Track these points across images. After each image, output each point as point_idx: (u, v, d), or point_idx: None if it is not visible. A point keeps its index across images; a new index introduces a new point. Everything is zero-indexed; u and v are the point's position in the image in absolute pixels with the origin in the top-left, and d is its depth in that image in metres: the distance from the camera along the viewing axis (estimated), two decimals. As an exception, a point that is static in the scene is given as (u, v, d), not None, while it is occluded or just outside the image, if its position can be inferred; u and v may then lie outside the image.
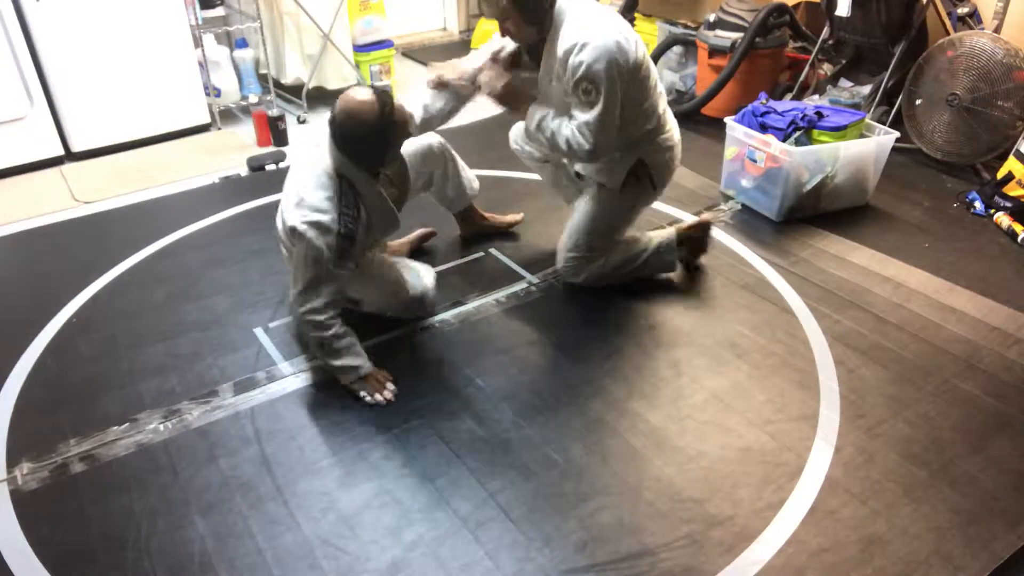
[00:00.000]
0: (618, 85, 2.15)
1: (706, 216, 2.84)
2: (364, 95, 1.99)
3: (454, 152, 2.69)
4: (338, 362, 2.12)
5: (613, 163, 2.41)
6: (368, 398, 2.13)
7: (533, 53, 2.33)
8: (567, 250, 2.53)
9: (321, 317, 2.06)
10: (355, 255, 2.09)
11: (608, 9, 2.33)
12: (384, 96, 2.01)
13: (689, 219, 2.87)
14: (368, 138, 2.00)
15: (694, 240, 2.66)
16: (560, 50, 2.17)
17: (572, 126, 2.22)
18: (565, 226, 2.57)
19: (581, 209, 2.52)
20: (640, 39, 2.28)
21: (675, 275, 2.70)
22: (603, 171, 2.45)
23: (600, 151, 2.25)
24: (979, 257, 2.82)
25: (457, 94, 2.42)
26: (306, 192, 2.03)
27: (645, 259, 2.58)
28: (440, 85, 2.40)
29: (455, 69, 2.40)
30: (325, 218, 1.99)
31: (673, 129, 2.47)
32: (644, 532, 1.74)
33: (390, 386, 2.16)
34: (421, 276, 2.42)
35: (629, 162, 2.40)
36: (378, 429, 2.05)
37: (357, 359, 2.14)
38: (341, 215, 2.00)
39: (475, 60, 2.42)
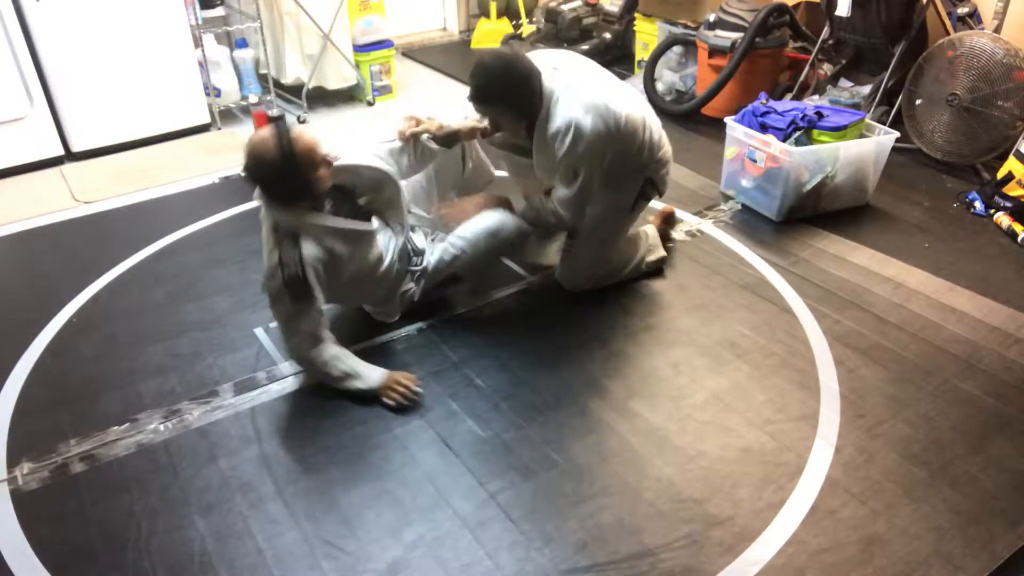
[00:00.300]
0: (598, 164, 2.30)
1: (667, 209, 2.95)
2: (259, 135, 1.99)
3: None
4: (346, 387, 2.13)
5: (623, 189, 2.47)
6: (393, 404, 2.12)
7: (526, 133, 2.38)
8: (587, 267, 2.55)
9: (307, 353, 2.11)
10: (312, 293, 2.07)
11: (601, 79, 2.37)
12: (279, 127, 1.98)
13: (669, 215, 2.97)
14: (276, 174, 1.98)
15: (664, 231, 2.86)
16: (549, 133, 2.26)
17: (555, 200, 2.36)
18: (574, 244, 2.54)
19: (588, 226, 2.49)
20: (637, 101, 2.41)
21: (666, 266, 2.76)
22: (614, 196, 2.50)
23: (577, 219, 2.43)
24: (979, 257, 2.82)
25: (423, 154, 2.43)
26: (263, 256, 2.11)
27: (638, 264, 2.65)
28: (409, 139, 2.36)
29: (431, 123, 2.39)
30: (271, 270, 2.05)
31: (667, 142, 2.55)
32: (644, 532, 1.74)
33: (411, 386, 2.14)
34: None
35: (639, 183, 2.48)
36: (378, 429, 2.05)
37: (361, 381, 2.12)
38: (283, 267, 2.02)
39: (453, 121, 2.44)
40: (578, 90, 2.26)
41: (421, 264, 2.44)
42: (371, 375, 2.14)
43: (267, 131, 1.98)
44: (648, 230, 2.74)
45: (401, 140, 2.35)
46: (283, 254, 2.03)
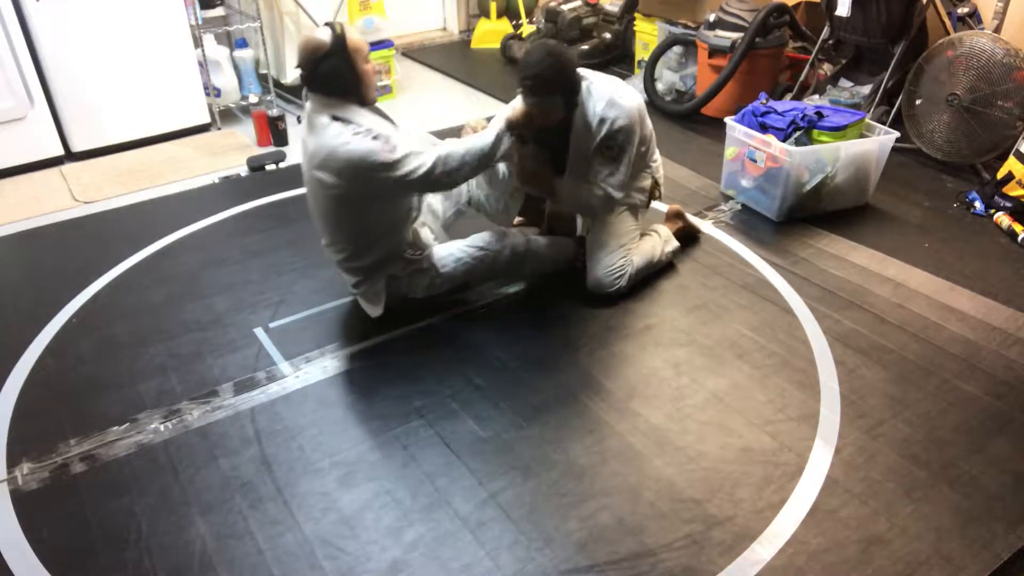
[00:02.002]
0: (635, 143, 2.46)
1: (674, 207, 2.95)
2: (314, 32, 2.16)
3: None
4: (481, 149, 2.22)
5: (641, 190, 2.65)
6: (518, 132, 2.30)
7: (555, 131, 2.45)
8: (608, 267, 2.55)
9: (426, 170, 2.16)
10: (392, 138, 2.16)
11: (615, 79, 2.53)
12: (332, 25, 2.16)
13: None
14: (331, 63, 2.12)
15: (685, 232, 2.92)
16: (588, 118, 2.40)
17: (603, 185, 2.45)
18: (593, 249, 2.58)
19: (610, 229, 2.57)
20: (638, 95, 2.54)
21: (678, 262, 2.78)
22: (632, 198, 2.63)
23: (624, 198, 2.56)
24: (979, 257, 2.82)
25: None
26: (324, 142, 2.14)
27: (661, 255, 2.70)
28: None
29: (480, 121, 2.50)
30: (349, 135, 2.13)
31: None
32: (644, 532, 1.74)
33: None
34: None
35: (650, 181, 2.68)
36: (378, 429, 2.05)
37: (488, 135, 2.25)
38: (365, 132, 2.13)
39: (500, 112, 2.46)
40: (599, 82, 2.43)
41: (421, 255, 2.43)
42: (497, 126, 2.28)
43: (321, 29, 2.15)
44: (657, 227, 2.78)
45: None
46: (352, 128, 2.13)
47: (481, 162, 2.26)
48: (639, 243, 2.64)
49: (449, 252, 2.48)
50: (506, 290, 2.65)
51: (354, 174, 2.12)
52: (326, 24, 2.17)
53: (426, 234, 2.49)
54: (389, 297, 2.39)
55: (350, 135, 2.11)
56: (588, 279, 2.59)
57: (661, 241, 2.71)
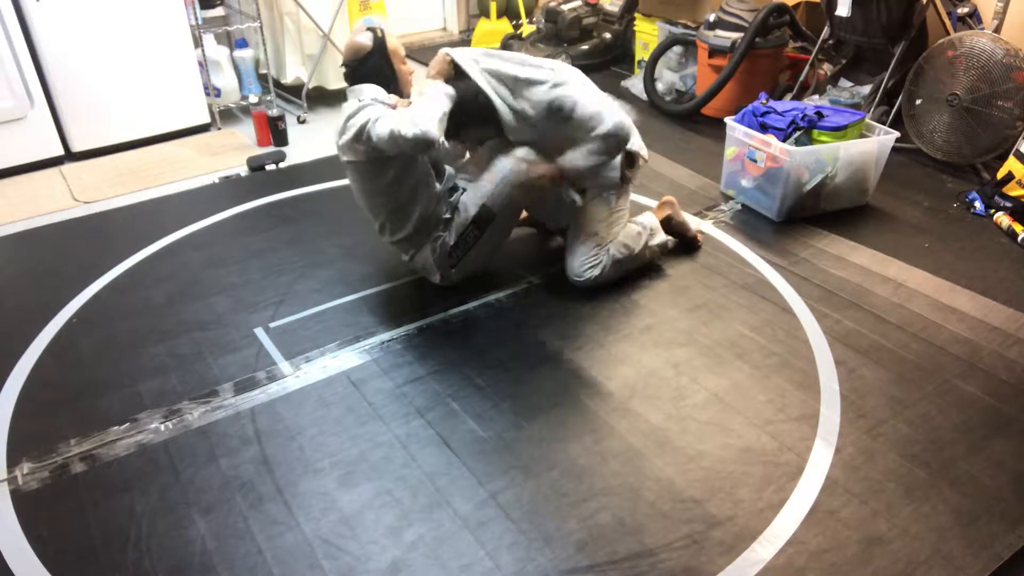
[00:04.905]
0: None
1: (667, 198, 2.89)
2: (357, 36, 2.41)
3: None
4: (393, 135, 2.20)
5: (612, 163, 2.53)
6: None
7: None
8: (588, 258, 2.55)
9: (359, 127, 2.25)
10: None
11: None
12: (373, 28, 2.43)
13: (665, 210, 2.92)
14: (372, 62, 2.38)
15: (677, 229, 2.86)
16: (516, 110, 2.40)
17: (603, 120, 2.33)
18: (573, 239, 2.58)
19: (583, 219, 2.57)
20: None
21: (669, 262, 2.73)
22: (606, 174, 2.55)
23: (591, 182, 2.55)
24: (979, 257, 2.82)
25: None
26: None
27: (645, 248, 2.67)
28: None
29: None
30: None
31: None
32: (644, 532, 1.74)
33: None
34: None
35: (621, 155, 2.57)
36: (378, 429, 2.05)
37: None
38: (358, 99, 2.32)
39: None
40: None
41: (448, 212, 2.53)
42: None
43: (364, 33, 2.41)
44: (642, 218, 2.73)
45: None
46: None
47: (399, 146, 2.21)
48: (617, 233, 2.60)
49: (471, 193, 2.50)
50: (506, 290, 2.65)
51: (340, 130, 2.32)
52: (368, 28, 2.42)
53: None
54: (438, 259, 2.53)
55: (355, 104, 2.30)
56: (566, 270, 2.62)
57: (645, 232, 2.66)
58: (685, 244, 2.87)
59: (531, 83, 2.37)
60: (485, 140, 2.56)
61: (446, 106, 2.28)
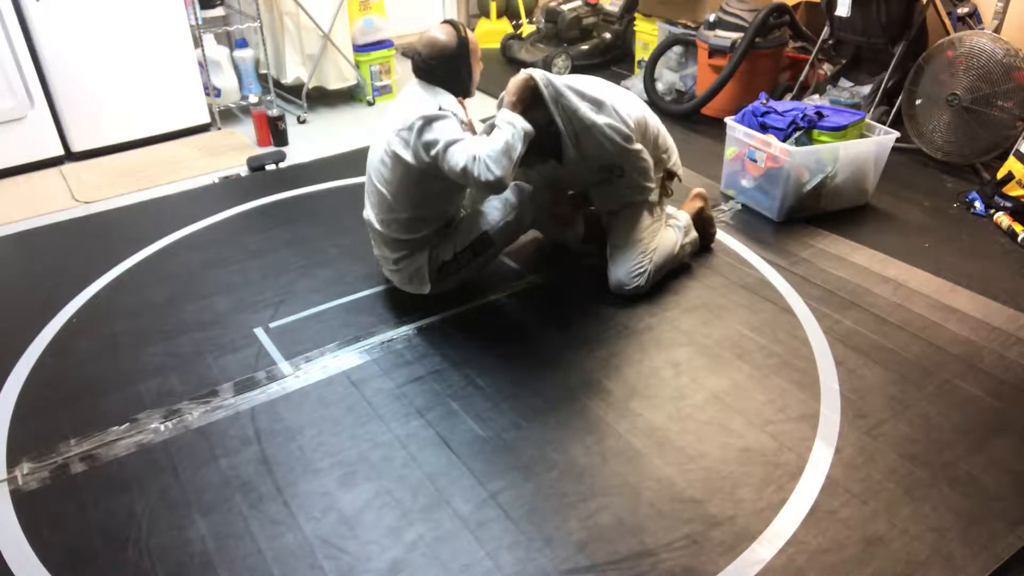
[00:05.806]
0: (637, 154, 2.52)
1: (699, 190, 2.90)
2: (439, 29, 2.32)
3: None
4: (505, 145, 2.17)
5: (651, 184, 2.60)
6: None
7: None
8: (633, 266, 2.55)
9: (461, 168, 2.16)
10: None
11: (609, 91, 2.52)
12: (455, 24, 2.34)
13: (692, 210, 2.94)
14: (450, 57, 2.30)
15: (702, 219, 2.86)
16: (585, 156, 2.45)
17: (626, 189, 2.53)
18: (616, 249, 2.58)
19: (627, 228, 2.57)
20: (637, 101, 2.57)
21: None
22: (637, 198, 2.59)
23: (636, 196, 2.59)
24: (979, 257, 2.82)
25: None
26: (419, 111, 2.24)
27: (680, 249, 2.68)
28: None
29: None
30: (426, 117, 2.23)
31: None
32: (644, 532, 1.74)
33: None
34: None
35: (660, 176, 2.66)
36: (378, 429, 2.05)
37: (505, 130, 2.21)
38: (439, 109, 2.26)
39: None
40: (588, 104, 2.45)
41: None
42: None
43: (446, 29, 2.32)
44: (674, 212, 2.76)
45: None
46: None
47: (511, 159, 2.18)
48: (658, 239, 2.61)
49: (476, 217, 2.51)
50: (506, 290, 2.65)
51: (408, 124, 2.24)
52: (450, 23, 2.34)
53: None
54: (429, 268, 2.47)
55: (435, 107, 2.24)
56: (610, 280, 2.58)
57: (681, 233, 2.68)
58: (702, 237, 2.88)
59: (604, 135, 2.38)
60: (533, 164, 2.55)
61: (522, 150, 2.21)
